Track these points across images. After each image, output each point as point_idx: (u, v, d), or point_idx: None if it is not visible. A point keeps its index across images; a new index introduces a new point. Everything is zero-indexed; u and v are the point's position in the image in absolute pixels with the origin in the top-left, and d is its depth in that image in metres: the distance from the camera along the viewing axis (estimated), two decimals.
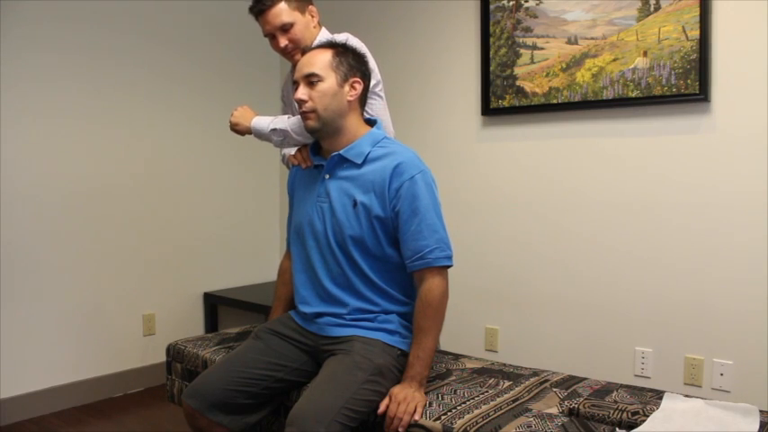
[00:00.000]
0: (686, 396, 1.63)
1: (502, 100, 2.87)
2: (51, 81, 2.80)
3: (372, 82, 1.86)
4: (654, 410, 1.54)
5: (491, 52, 2.88)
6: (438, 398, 1.65)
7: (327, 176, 1.74)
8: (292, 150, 1.93)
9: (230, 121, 2.00)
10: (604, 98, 2.58)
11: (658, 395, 1.66)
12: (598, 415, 1.55)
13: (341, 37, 1.89)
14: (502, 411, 1.57)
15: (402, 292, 1.74)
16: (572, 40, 2.66)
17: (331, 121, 1.68)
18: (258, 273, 3.65)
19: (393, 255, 1.70)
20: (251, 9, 1.97)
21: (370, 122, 1.79)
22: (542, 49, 2.74)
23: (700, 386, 2.42)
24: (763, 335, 2.29)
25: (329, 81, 1.66)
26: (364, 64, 1.75)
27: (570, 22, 2.66)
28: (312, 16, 2.01)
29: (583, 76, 2.63)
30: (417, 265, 1.64)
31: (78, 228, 2.91)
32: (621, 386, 1.75)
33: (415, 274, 1.67)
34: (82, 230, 2.92)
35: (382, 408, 1.56)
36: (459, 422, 1.50)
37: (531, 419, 1.52)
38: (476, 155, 3.01)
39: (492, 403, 1.62)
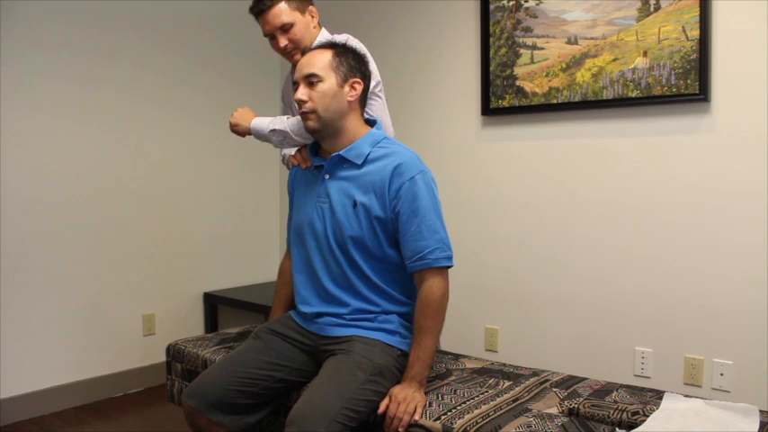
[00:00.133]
0: (686, 396, 1.63)
1: (502, 100, 2.87)
2: (51, 81, 2.80)
3: (372, 83, 1.86)
4: (654, 410, 1.54)
5: (491, 52, 2.88)
6: (438, 398, 1.65)
7: (327, 177, 1.74)
8: (292, 150, 1.93)
9: (230, 122, 2.00)
10: (604, 98, 2.58)
11: (658, 395, 1.66)
12: (598, 415, 1.55)
13: (341, 38, 1.89)
14: (502, 411, 1.57)
15: (402, 292, 1.74)
16: (572, 40, 2.66)
17: (331, 122, 1.68)
18: (258, 273, 3.65)
19: (393, 255, 1.70)
20: (251, 9, 1.97)
21: (370, 123, 1.79)
22: (542, 49, 2.74)
23: (700, 386, 2.43)
24: (763, 335, 2.29)
25: (329, 81, 1.66)
26: (364, 64, 1.75)
27: (570, 22, 2.66)
28: (312, 17, 2.01)
29: (583, 76, 2.63)
30: (418, 265, 1.64)
31: (78, 228, 2.91)
32: (621, 386, 1.75)
33: (415, 274, 1.67)
34: (82, 231, 2.92)
35: (382, 408, 1.56)
36: (459, 422, 1.50)
37: (531, 419, 1.52)
38: (476, 155, 3.01)
39: (492, 403, 1.62)
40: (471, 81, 2.98)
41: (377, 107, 1.95)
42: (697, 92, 2.36)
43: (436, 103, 3.13)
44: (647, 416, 1.51)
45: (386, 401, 1.57)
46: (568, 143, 2.73)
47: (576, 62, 2.65)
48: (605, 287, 2.64)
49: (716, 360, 2.40)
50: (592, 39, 2.61)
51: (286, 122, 1.89)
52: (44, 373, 2.81)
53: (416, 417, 1.54)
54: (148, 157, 3.16)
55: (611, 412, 1.54)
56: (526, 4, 2.76)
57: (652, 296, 2.53)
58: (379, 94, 1.98)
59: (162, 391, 3.02)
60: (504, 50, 2.85)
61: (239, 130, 1.99)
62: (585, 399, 1.64)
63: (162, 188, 3.23)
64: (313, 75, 1.66)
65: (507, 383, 1.77)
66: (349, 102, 1.69)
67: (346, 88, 1.68)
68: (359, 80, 1.71)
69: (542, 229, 2.81)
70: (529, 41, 2.77)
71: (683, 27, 2.38)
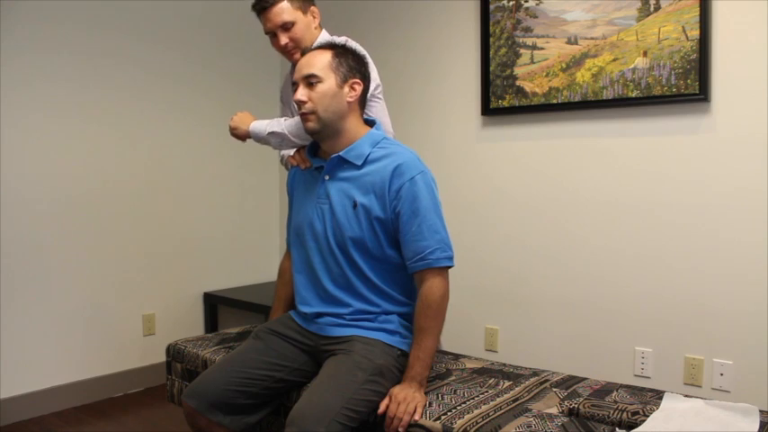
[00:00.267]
0: (686, 396, 1.63)
1: (502, 100, 2.87)
2: (51, 81, 2.80)
3: (372, 86, 1.86)
4: (654, 410, 1.54)
5: (491, 52, 2.88)
6: (438, 398, 1.65)
7: (327, 178, 1.74)
8: (291, 151, 1.93)
9: (230, 126, 2.00)
10: (604, 98, 2.58)
11: (658, 395, 1.66)
12: (598, 415, 1.55)
13: (340, 40, 1.89)
14: (502, 411, 1.57)
15: (402, 292, 1.74)
16: (572, 40, 2.66)
17: (331, 123, 1.68)
18: (258, 273, 3.65)
19: (393, 256, 1.70)
20: (253, 6, 1.97)
21: (370, 123, 1.79)
22: (542, 49, 2.74)
23: (700, 386, 2.42)
24: (763, 335, 2.29)
25: (329, 82, 1.65)
26: (364, 65, 1.74)
27: (570, 22, 2.66)
28: (314, 17, 2.02)
29: (583, 76, 2.63)
30: (419, 266, 1.64)
31: (78, 228, 2.91)
32: (621, 386, 1.75)
33: (415, 274, 1.67)
34: (82, 231, 2.92)
35: (382, 408, 1.56)
36: (459, 422, 1.50)
37: (531, 419, 1.52)
38: (475, 155, 3.01)
39: (492, 403, 1.62)
40: (471, 81, 2.98)
41: (377, 110, 1.95)
42: (697, 92, 2.36)
43: (436, 103, 3.13)
44: (647, 416, 1.51)
45: (386, 401, 1.57)
46: (568, 143, 2.73)
47: (576, 62, 2.65)
48: (605, 287, 2.64)
49: (716, 360, 2.40)
50: (592, 39, 2.61)
51: (284, 124, 1.89)
52: (44, 373, 2.81)
53: (416, 417, 1.54)
54: (148, 156, 3.16)
55: (611, 412, 1.54)
56: (526, 4, 2.76)
57: (652, 296, 2.53)
58: (379, 96, 1.98)
59: (162, 391, 3.02)
60: (504, 50, 2.85)
61: (238, 134, 1.99)
62: (585, 399, 1.64)
63: (162, 188, 3.23)
64: (312, 75, 1.65)
65: (507, 383, 1.77)
66: (349, 102, 1.69)
67: (346, 89, 1.68)
68: (358, 81, 1.71)
69: (542, 229, 2.81)
70: (529, 41, 2.77)
71: (683, 27, 2.38)
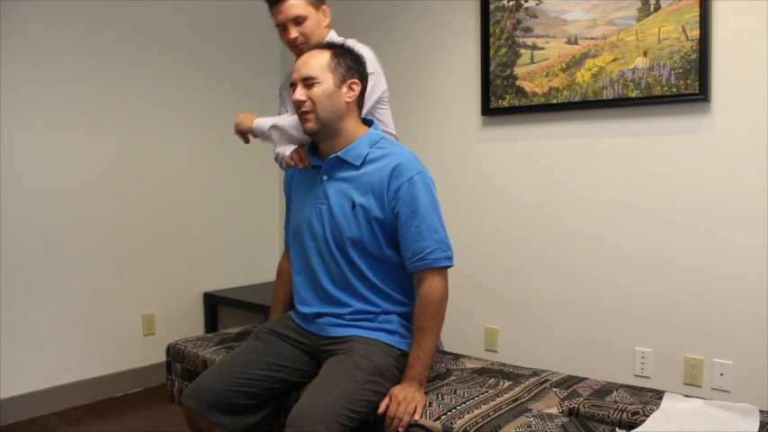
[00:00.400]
0: (686, 396, 1.63)
1: (502, 100, 2.87)
2: (51, 82, 2.80)
3: (377, 92, 1.87)
4: (654, 410, 1.54)
5: (491, 52, 2.88)
6: (438, 398, 1.65)
7: (325, 178, 1.74)
8: (288, 150, 1.93)
9: (235, 123, 2.03)
10: (604, 98, 2.58)
11: (658, 395, 1.66)
12: (598, 415, 1.55)
13: (348, 43, 1.90)
14: (502, 411, 1.57)
15: (402, 292, 1.74)
16: (572, 40, 2.66)
17: (329, 123, 1.67)
18: (258, 273, 3.65)
19: (392, 256, 1.70)
20: None
21: (368, 122, 1.79)
22: (542, 49, 2.74)
23: (700, 386, 2.42)
24: (763, 335, 2.29)
25: (327, 83, 1.65)
26: (362, 65, 1.74)
27: (570, 22, 2.66)
28: (325, 15, 2.03)
29: (583, 76, 2.63)
30: (418, 266, 1.64)
31: (78, 228, 2.91)
32: (621, 386, 1.75)
33: (414, 274, 1.67)
34: (82, 230, 2.92)
35: (382, 408, 1.56)
36: (459, 422, 1.50)
37: (531, 419, 1.52)
38: (476, 155, 3.01)
39: (492, 403, 1.62)
40: (471, 81, 2.98)
41: (383, 115, 1.96)
42: (697, 92, 2.36)
43: (436, 103, 3.13)
44: (647, 416, 1.51)
45: (386, 401, 1.57)
46: (568, 143, 2.73)
47: (576, 62, 2.65)
48: (605, 287, 2.64)
49: (716, 360, 2.40)
50: (592, 39, 2.61)
51: (287, 120, 1.91)
52: (44, 373, 2.81)
53: (416, 417, 1.54)
54: (149, 156, 3.16)
55: (611, 412, 1.54)
56: (526, 4, 2.76)
57: (652, 296, 2.53)
58: (386, 101, 1.98)
59: (162, 391, 3.02)
60: (504, 50, 2.85)
61: (242, 128, 2.02)
62: (585, 399, 1.64)
63: (162, 188, 3.23)
64: (311, 77, 1.65)
65: (507, 383, 1.77)
66: (347, 103, 1.68)
67: (344, 89, 1.68)
68: (357, 81, 1.70)
69: (542, 229, 2.81)
70: (529, 41, 2.77)
71: (683, 27, 2.38)
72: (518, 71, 2.81)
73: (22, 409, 2.74)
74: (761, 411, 1.51)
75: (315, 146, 1.80)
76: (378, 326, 1.70)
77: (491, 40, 2.87)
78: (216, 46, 3.43)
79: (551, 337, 2.80)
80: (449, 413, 1.56)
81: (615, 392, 1.69)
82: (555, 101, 2.71)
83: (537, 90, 2.77)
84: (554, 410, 1.59)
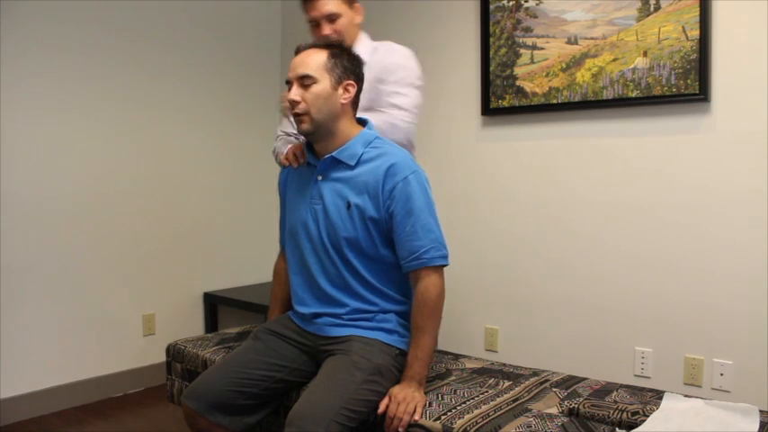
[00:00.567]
0: (686, 396, 1.63)
1: (502, 100, 2.87)
2: (51, 82, 2.80)
3: (412, 103, 1.96)
4: (654, 410, 1.54)
5: (491, 52, 2.88)
6: (438, 398, 1.65)
7: (320, 178, 1.73)
8: (285, 149, 1.92)
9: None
10: (604, 98, 2.58)
11: (658, 395, 1.66)
12: (598, 415, 1.55)
13: (385, 46, 1.95)
14: (502, 411, 1.57)
15: (399, 291, 1.74)
16: (572, 40, 2.66)
17: (324, 124, 1.67)
18: (258, 273, 3.65)
19: (388, 255, 1.70)
20: None
21: (362, 122, 1.78)
22: (542, 49, 2.74)
23: (700, 386, 2.42)
24: (763, 335, 2.29)
25: (323, 83, 1.64)
26: (359, 66, 1.73)
27: (570, 22, 2.66)
28: (358, 13, 2.03)
29: (583, 76, 2.63)
30: (413, 265, 1.64)
31: (78, 228, 2.91)
32: (621, 386, 1.75)
33: (411, 273, 1.67)
34: (82, 231, 2.92)
35: (382, 408, 1.56)
36: (459, 422, 1.50)
37: (531, 419, 1.52)
38: (476, 155, 3.01)
39: (492, 403, 1.62)
40: (471, 81, 2.98)
41: (411, 133, 2.01)
42: (697, 92, 2.36)
43: (436, 103, 3.13)
44: (647, 416, 1.51)
45: (385, 401, 1.57)
46: (568, 143, 2.73)
47: (576, 62, 2.65)
48: (605, 287, 2.64)
49: (716, 360, 2.40)
50: (592, 39, 2.61)
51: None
52: (44, 373, 2.81)
53: (416, 417, 1.54)
54: (149, 157, 3.16)
55: (611, 412, 1.54)
56: (526, 4, 2.76)
57: (652, 296, 2.53)
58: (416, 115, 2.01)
59: (162, 391, 3.02)
60: (504, 50, 2.85)
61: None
62: (585, 399, 1.64)
63: (162, 188, 3.23)
64: (307, 76, 1.64)
65: (507, 383, 1.77)
66: (342, 104, 1.68)
67: (340, 90, 1.67)
68: (353, 82, 1.69)
69: (542, 229, 2.81)
70: (529, 41, 2.77)
71: (683, 27, 2.38)
72: (518, 71, 2.81)
73: (22, 409, 2.74)
74: (761, 411, 1.51)
75: (311, 144, 1.80)
76: (376, 325, 1.70)
77: (491, 40, 2.87)
78: (216, 46, 3.42)
79: (551, 337, 2.80)
80: (449, 413, 1.56)
81: (615, 392, 1.69)
82: (555, 101, 2.71)
83: (537, 90, 2.77)
84: (554, 410, 1.59)
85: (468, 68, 3.00)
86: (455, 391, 1.70)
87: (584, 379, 1.83)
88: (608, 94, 2.57)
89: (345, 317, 1.71)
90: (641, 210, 2.54)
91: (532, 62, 2.77)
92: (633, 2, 2.49)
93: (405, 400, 1.55)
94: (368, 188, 1.66)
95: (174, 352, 2.14)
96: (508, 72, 2.84)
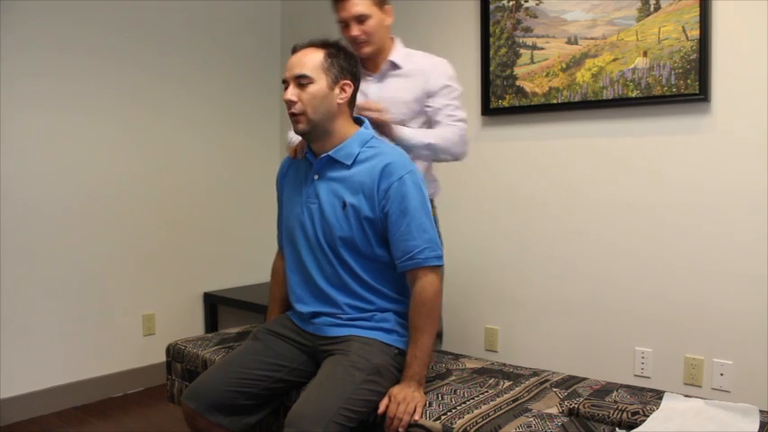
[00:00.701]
0: (686, 396, 1.63)
1: (502, 100, 2.87)
2: (50, 81, 2.80)
3: (458, 115, 2.00)
4: (654, 410, 1.54)
5: (491, 52, 2.88)
6: (438, 398, 1.65)
7: (317, 177, 1.74)
8: (295, 140, 1.92)
9: (374, 108, 1.89)
10: (604, 98, 2.58)
11: (658, 395, 1.66)
12: (598, 415, 1.55)
13: (420, 54, 2.05)
14: (502, 411, 1.57)
15: (395, 290, 1.74)
16: (572, 40, 2.66)
17: (320, 124, 1.67)
18: (258, 273, 3.65)
19: (383, 255, 1.70)
20: None
21: (358, 121, 1.78)
22: (542, 49, 2.74)
23: (700, 386, 2.42)
24: (763, 335, 2.29)
25: (320, 83, 1.64)
26: (355, 65, 1.73)
27: (570, 22, 2.66)
28: (388, 15, 2.04)
29: (583, 76, 2.63)
30: (408, 265, 1.65)
31: (78, 228, 2.91)
32: (621, 386, 1.75)
33: (407, 273, 1.67)
34: (81, 230, 2.92)
35: (382, 408, 1.56)
36: (459, 422, 1.50)
37: (531, 419, 1.52)
38: (476, 155, 2.99)
39: (492, 403, 1.62)
40: (471, 81, 2.98)
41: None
42: (697, 92, 2.36)
43: None
44: (647, 416, 1.51)
45: (385, 401, 1.57)
46: (568, 143, 2.73)
47: (576, 62, 2.65)
48: (605, 287, 2.64)
49: (716, 360, 2.39)
50: (592, 39, 2.60)
51: (440, 135, 2.00)
52: (44, 373, 2.81)
53: (416, 417, 1.54)
54: (149, 157, 3.16)
55: (611, 412, 1.54)
56: (526, 4, 2.76)
57: (652, 296, 2.52)
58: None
59: (162, 391, 3.02)
60: (504, 50, 2.85)
61: (381, 120, 1.89)
62: (585, 399, 1.64)
63: (162, 188, 3.22)
64: (304, 76, 1.64)
65: (507, 383, 1.77)
66: (339, 104, 1.68)
67: (336, 90, 1.67)
68: (349, 82, 1.70)
69: (542, 229, 2.81)
70: (529, 41, 2.77)
71: (683, 27, 2.38)
72: (518, 71, 2.81)
73: (22, 409, 2.74)
74: (761, 411, 1.51)
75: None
76: (375, 325, 1.70)
77: (491, 40, 2.87)
78: (216, 48, 3.42)
79: (551, 337, 2.80)
80: (449, 413, 1.56)
81: (615, 392, 1.69)
82: (555, 101, 2.71)
83: (537, 90, 2.76)
84: (554, 410, 1.59)
85: (468, 68, 2.99)
86: (455, 391, 1.71)
87: (585, 379, 1.83)
88: (608, 94, 2.57)
89: (344, 317, 1.71)
90: (641, 210, 2.54)
91: (532, 62, 2.77)
92: (633, 2, 2.49)
93: (404, 400, 1.55)
94: (363, 188, 1.66)
95: (174, 352, 2.14)
96: (508, 72, 2.84)
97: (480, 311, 3.01)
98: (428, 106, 2.05)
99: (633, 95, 2.51)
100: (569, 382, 1.79)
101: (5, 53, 2.65)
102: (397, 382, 1.63)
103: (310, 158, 1.76)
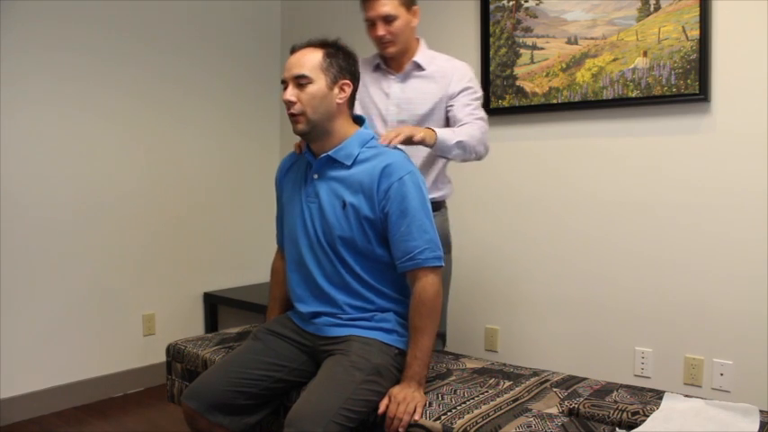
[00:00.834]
0: (686, 396, 1.63)
1: (502, 100, 2.87)
2: (50, 81, 2.80)
3: (475, 98, 2.02)
4: (654, 410, 1.54)
5: (491, 52, 2.88)
6: (438, 398, 1.65)
7: (316, 177, 1.74)
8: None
9: (412, 135, 1.80)
10: (604, 98, 2.58)
11: (658, 395, 1.66)
12: (598, 415, 1.55)
13: (443, 58, 2.10)
14: (502, 411, 1.57)
15: (396, 289, 1.75)
16: (572, 40, 2.66)
17: (319, 124, 1.67)
18: (258, 273, 3.65)
19: (383, 254, 1.70)
20: None
21: (358, 120, 1.78)
22: (542, 49, 2.74)
23: (700, 386, 2.42)
24: (763, 335, 2.29)
25: (319, 83, 1.64)
26: (354, 64, 1.74)
27: (570, 22, 2.66)
28: (415, 16, 2.06)
29: (583, 76, 2.63)
30: (408, 265, 1.65)
31: (78, 228, 2.91)
32: (621, 386, 1.75)
33: (407, 274, 1.67)
34: (81, 230, 2.92)
35: (382, 408, 1.56)
36: (459, 422, 1.50)
37: (531, 419, 1.52)
38: None
39: (492, 403, 1.62)
40: None
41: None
42: (697, 92, 2.36)
43: None
44: (647, 416, 1.51)
45: (385, 401, 1.57)
46: (568, 143, 2.73)
47: (576, 62, 2.65)
48: (605, 287, 2.64)
49: (716, 360, 2.40)
50: (592, 39, 2.61)
51: (466, 133, 1.97)
52: (44, 373, 2.81)
53: (416, 417, 1.54)
54: (149, 157, 3.16)
55: (611, 412, 1.54)
56: (526, 4, 2.76)
57: (652, 296, 2.53)
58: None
59: (162, 391, 3.02)
60: (504, 50, 2.85)
61: (424, 138, 1.83)
62: (585, 399, 1.64)
63: (162, 188, 3.22)
64: (303, 76, 1.64)
65: (507, 383, 1.77)
66: (338, 104, 1.68)
67: (335, 90, 1.67)
68: (348, 82, 1.70)
69: (542, 229, 2.81)
70: (529, 41, 2.77)
71: (683, 27, 2.38)
72: (518, 71, 2.81)
73: (22, 409, 2.73)
74: (761, 411, 1.51)
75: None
76: (375, 325, 1.70)
77: (491, 40, 2.87)
78: (216, 47, 3.42)
79: (551, 337, 2.80)
80: (449, 413, 1.56)
81: (615, 392, 1.69)
82: (555, 101, 2.71)
83: (537, 90, 2.76)
84: (554, 410, 1.59)
85: None
86: (455, 391, 1.71)
87: (585, 379, 1.83)
88: (608, 94, 2.57)
89: (344, 317, 1.71)
90: (641, 209, 2.54)
91: (532, 62, 2.77)
92: (633, 2, 2.49)
93: (404, 400, 1.55)
94: (363, 188, 1.66)
95: (174, 352, 2.14)
96: (508, 72, 2.84)
97: (480, 311, 3.01)
98: (450, 106, 2.07)
99: (633, 95, 2.51)
100: (569, 382, 1.79)
101: (5, 53, 2.65)
102: (397, 382, 1.63)
103: (309, 158, 1.76)
